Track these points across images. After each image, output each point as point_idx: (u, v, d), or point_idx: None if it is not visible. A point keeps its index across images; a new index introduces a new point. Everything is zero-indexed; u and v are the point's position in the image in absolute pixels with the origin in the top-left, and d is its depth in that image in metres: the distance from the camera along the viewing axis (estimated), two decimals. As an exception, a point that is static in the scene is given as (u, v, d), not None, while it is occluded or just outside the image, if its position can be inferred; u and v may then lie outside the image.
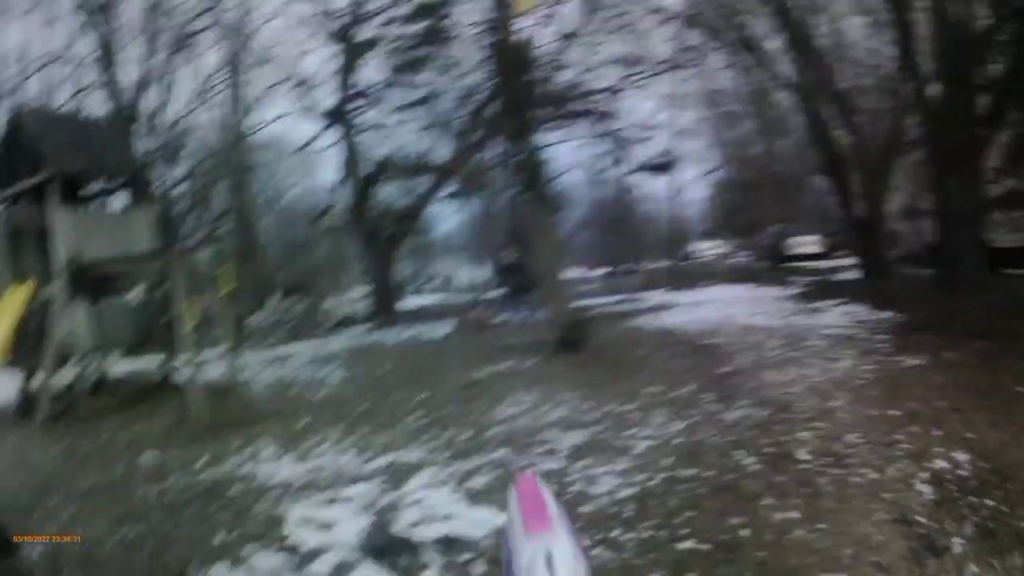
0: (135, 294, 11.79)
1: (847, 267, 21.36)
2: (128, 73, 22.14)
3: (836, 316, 12.01)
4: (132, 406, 10.19)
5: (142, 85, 22.28)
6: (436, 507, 4.98)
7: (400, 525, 4.74)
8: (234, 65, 24.79)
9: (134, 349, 12.08)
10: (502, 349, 12.17)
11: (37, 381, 10.26)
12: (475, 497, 5.11)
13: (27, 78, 22.27)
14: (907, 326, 10.29)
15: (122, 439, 8.12)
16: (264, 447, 7.15)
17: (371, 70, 21.76)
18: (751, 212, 35.18)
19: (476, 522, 4.62)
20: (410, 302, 29.80)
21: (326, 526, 4.86)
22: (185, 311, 9.93)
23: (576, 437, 6.36)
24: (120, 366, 13.28)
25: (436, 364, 11.61)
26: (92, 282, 10.64)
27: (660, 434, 6.20)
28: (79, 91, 22.13)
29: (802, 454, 5.27)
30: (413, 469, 5.91)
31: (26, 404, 10.28)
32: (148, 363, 12.86)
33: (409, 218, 23.87)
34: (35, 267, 10.61)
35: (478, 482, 5.44)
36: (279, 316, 20.51)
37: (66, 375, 10.95)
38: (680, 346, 10.71)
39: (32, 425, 9.42)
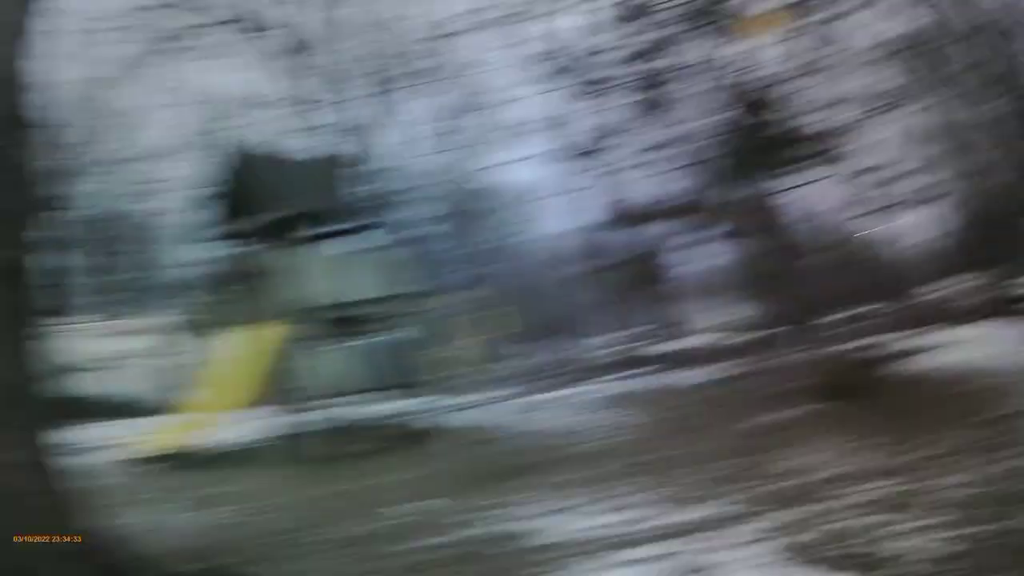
0: (385, 336, 11.38)
1: None
2: (351, 114, 22.66)
3: None
4: (383, 452, 9.57)
5: (368, 127, 22.80)
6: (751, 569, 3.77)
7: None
8: (462, 107, 25.21)
9: (383, 392, 11.63)
10: (772, 396, 10.23)
11: (285, 423, 10.10)
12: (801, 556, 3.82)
13: (245, 122, 22.67)
14: None
15: (373, 487, 7.42)
16: (531, 501, 5.95)
17: (605, 112, 21.13)
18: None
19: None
20: (664, 346, 27.95)
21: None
22: (450, 353, 9.27)
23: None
24: (368, 409, 12.67)
25: (702, 411, 10.02)
26: (337, 323, 10.41)
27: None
28: (301, 132, 22.52)
29: None
30: (714, 524, 4.58)
31: (274, 446, 10.13)
32: (398, 406, 12.18)
33: (655, 260, 22.50)
34: (266, 309, 10.45)
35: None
36: (530, 361, 19.52)
37: (314, 417, 10.63)
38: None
39: (279, 468, 9.15)
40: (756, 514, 4.73)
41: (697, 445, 7.43)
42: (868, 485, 4.97)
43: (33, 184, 4.56)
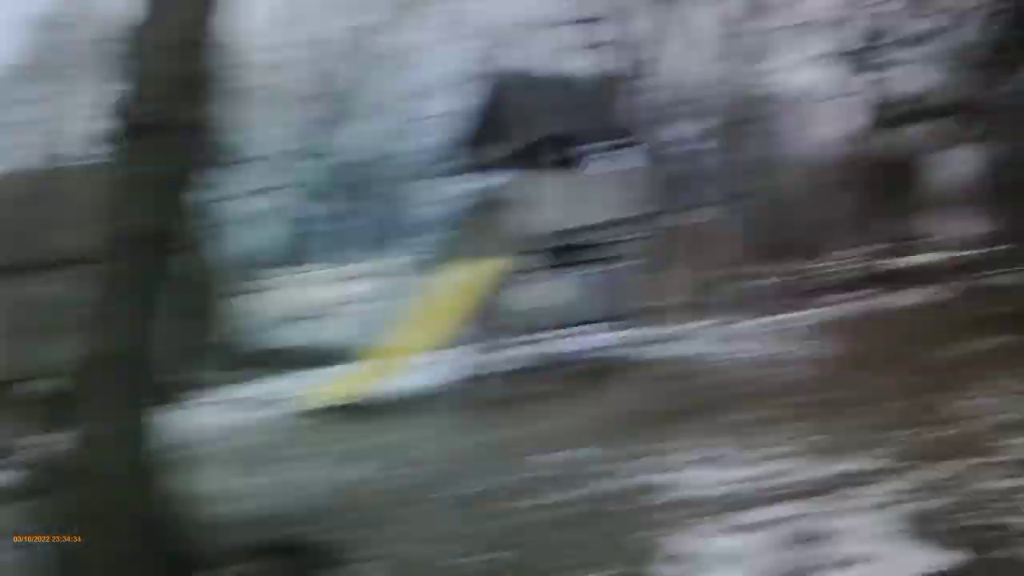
0: (604, 266, 10.86)
1: None
2: (617, 31, 21.32)
3: None
4: (562, 392, 9.35)
5: (635, 43, 21.50)
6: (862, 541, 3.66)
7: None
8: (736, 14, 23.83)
9: (594, 324, 11.32)
10: (972, 322, 9.20)
11: (471, 365, 10.08)
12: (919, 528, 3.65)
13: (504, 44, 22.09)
14: None
15: (529, 434, 7.42)
16: (679, 449, 5.97)
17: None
18: None
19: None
20: (896, 263, 25.48)
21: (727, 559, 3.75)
22: (667, 281, 8.91)
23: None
24: (572, 344, 12.10)
25: (912, 338, 9.24)
26: (569, 252, 10.09)
27: None
28: (577, 51, 21.26)
29: None
30: (850, 482, 4.44)
31: (450, 392, 9.96)
32: (601, 340, 11.63)
33: (916, 166, 20.55)
34: (496, 242, 10.04)
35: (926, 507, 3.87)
36: (751, 285, 18.28)
37: (506, 356, 10.39)
38: None
39: (443, 416, 9.10)
40: (898, 471, 4.47)
41: (877, 381, 6.98)
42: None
43: (200, 148, 4.54)
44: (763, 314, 15.34)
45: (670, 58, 22.10)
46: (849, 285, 19.03)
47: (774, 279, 19.91)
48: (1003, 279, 13.31)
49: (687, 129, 23.07)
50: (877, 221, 21.50)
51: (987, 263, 16.37)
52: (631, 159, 11.64)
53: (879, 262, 20.20)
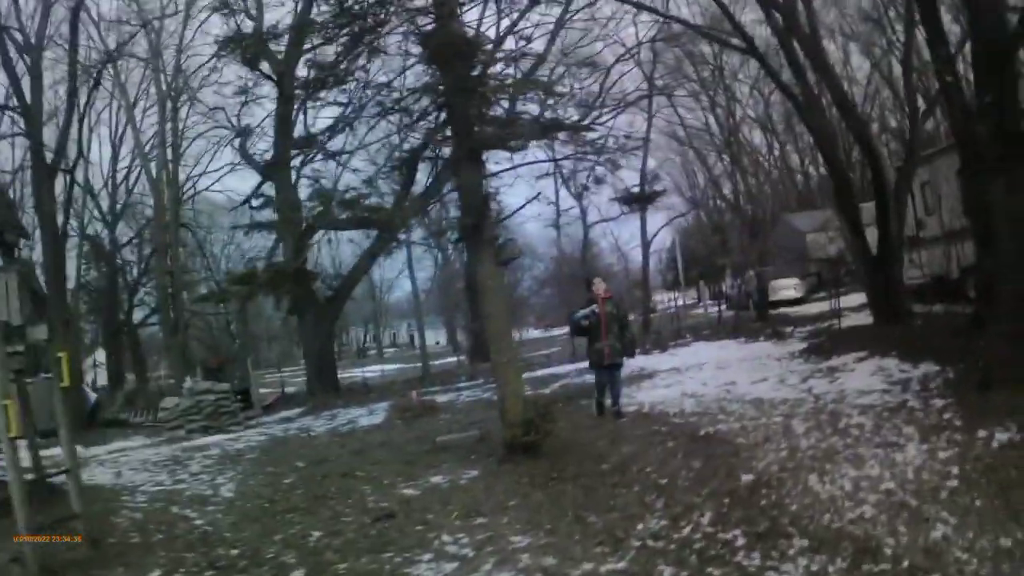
0: None
1: (845, 311, 17.33)
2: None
3: (865, 376, 9.39)
4: None
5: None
6: None
7: None
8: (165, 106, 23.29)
9: None
10: (438, 450, 9.59)
11: None
12: None
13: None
14: (962, 382, 7.74)
15: None
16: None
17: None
18: (720, 257, 32.16)
19: None
20: (358, 373, 26.94)
21: None
22: None
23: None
24: None
25: (352, 471, 8.96)
26: None
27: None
28: None
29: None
30: None
31: None
32: None
33: (350, 279, 21.81)
34: None
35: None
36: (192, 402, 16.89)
37: None
38: (675, 438, 7.99)
39: None
40: None
41: (312, 533, 6.43)
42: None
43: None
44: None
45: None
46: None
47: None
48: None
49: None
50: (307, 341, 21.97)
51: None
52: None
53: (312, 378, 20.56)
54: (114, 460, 11.58)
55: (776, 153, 39.67)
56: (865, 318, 15.04)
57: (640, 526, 5.45)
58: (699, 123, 33.62)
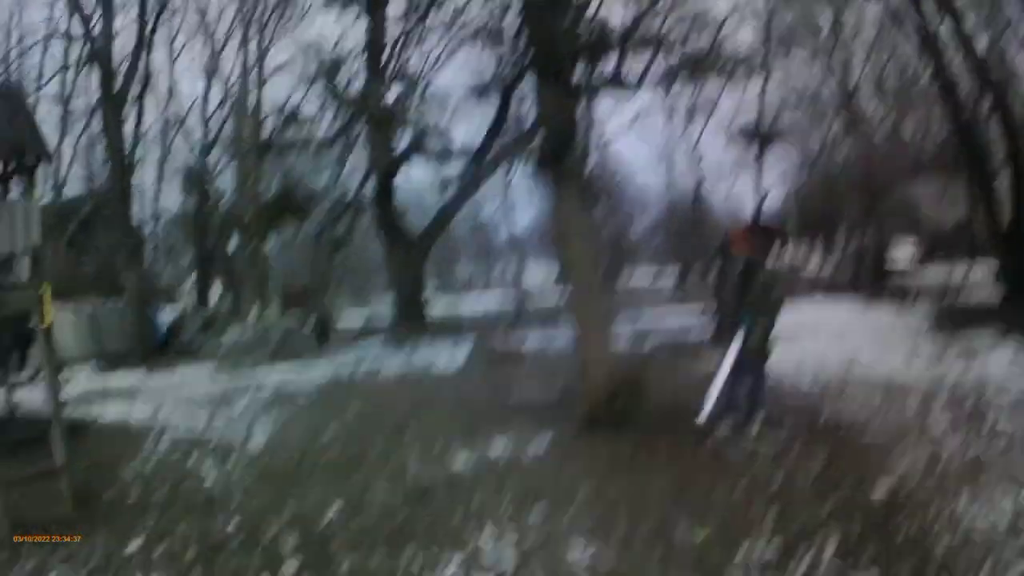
0: None
1: (970, 284, 15.95)
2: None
3: (1004, 364, 8.05)
4: None
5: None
6: None
7: None
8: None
9: None
10: (510, 409, 8.39)
11: None
12: None
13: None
14: None
15: None
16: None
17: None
18: (835, 216, 29.67)
19: None
20: (448, 308, 25.45)
21: None
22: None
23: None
24: None
25: (403, 428, 7.91)
26: None
27: None
28: None
29: None
30: None
31: None
32: None
33: (443, 212, 20.70)
34: None
35: None
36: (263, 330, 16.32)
37: None
38: (792, 424, 6.56)
39: None
40: None
41: (332, 506, 5.35)
42: None
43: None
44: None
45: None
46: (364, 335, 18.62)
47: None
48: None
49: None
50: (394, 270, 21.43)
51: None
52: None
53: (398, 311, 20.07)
54: (161, 394, 11.12)
55: (892, 118, 36.21)
56: (989, 293, 13.98)
57: (744, 548, 4.16)
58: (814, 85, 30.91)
